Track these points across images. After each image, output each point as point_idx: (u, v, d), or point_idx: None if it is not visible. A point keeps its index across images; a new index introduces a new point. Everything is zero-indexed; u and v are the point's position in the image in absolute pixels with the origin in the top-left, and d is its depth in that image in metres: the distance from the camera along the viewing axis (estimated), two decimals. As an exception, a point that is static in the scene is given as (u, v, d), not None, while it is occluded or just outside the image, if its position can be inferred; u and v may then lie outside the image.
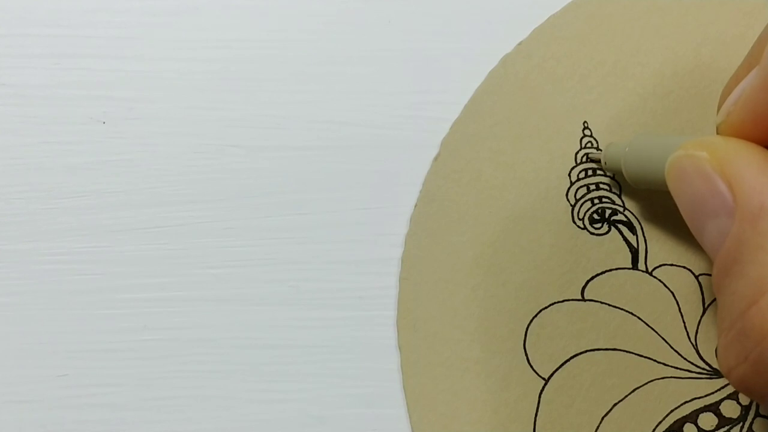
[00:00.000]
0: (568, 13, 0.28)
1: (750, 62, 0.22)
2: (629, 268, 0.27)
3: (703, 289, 0.26)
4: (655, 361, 0.26)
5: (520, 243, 0.27)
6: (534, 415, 0.26)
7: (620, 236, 0.27)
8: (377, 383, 0.27)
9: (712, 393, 0.26)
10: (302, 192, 0.28)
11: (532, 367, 0.26)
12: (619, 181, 0.27)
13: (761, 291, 0.18)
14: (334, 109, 0.28)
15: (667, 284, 0.26)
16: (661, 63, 0.27)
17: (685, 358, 0.26)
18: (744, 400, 0.26)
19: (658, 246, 0.27)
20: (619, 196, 0.27)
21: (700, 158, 0.19)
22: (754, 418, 0.26)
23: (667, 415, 0.26)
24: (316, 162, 0.28)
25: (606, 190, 0.27)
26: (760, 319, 0.18)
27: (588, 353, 0.26)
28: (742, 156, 0.19)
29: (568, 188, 0.27)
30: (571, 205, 0.27)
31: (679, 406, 0.26)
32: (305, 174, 0.28)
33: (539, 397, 0.26)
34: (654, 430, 0.26)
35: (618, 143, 0.26)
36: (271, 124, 0.28)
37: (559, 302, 0.27)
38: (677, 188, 0.20)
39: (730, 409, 0.26)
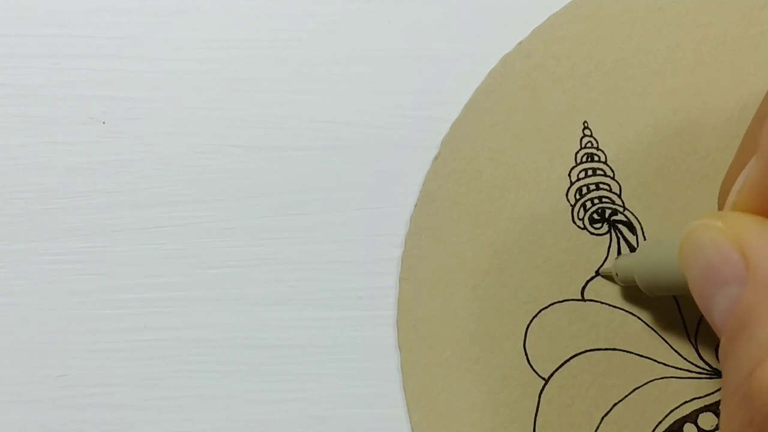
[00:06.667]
0: (568, 12, 0.28)
1: (744, 152, 0.23)
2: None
3: (703, 289, 0.26)
4: (655, 361, 0.26)
5: (520, 243, 0.27)
6: (534, 415, 0.26)
7: (620, 236, 0.27)
8: (377, 383, 0.27)
9: (712, 393, 0.26)
10: (302, 192, 0.28)
11: (532, 367, 0.26)
12: (621, 190, 0.27)
13: None
14: (334, 109, 0.28)
15: (667, 284, 0.26)
16: (661, 63, 0.27)
17: (685, 358, 0.26)
18: (744, 400, 0.26)
19: (658, 246, 0.27)
20: (619, 196, 0.27)
21: (714, 228, 0.20)
22: (754, 418, 0.26)
23: (667, 415, 0.26)
24: (316, 162, 0.28)
25: (606, 190, 0.27)
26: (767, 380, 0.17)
27: (588, 353, 0.26)
28: (755, 227, 0.19)
29: (568, 188, 0.27)
30: (571, 205, 0.27)
31: (679, 406, 0.26)
32: (305, 174, 0.28)
33: (539, 397, 0.26)
34: (654, 430, 0.26)
35: (627, 255, 0.26)
36: (271, 124, 0.28)
37: (559, 302, 0.27)
38: (690, 259, 0.20)
39: (730, 409, 0.26)
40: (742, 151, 0.23)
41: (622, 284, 0.26)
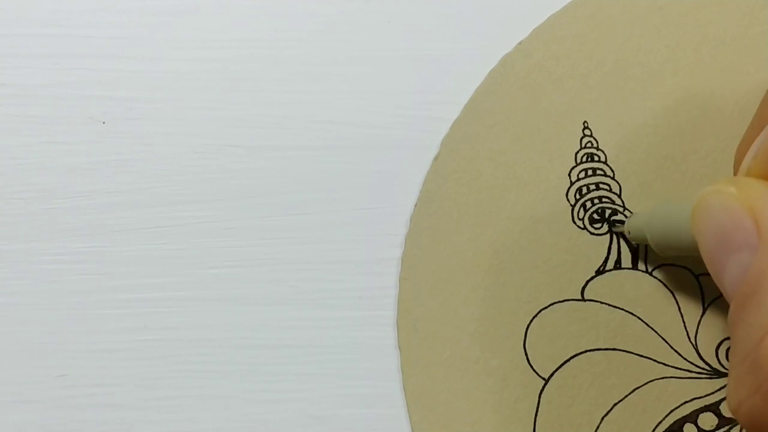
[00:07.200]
0: (567, 12, 0.28)
1: (760, 119, 0.23)
2: (629, 268, 0.27)
3: (703, 289, 0.26)
4: (655, 361, 0.26)
5: (520, 243, 0.27)
6: (534, 415, 0.26)
7: (620, 236, 0.27)
8: (377, 383, 0.27)
9: (712, 393, 0.26)
10: (302, 192, 0.28)
11: (532, 367, 0.26)
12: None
13: None
14: (334, 109, 0.28)
15: (667, 284, 0.26)
16: (661, 63, 0.27)
17: (685, 358, 0.26)
18: (744, 400, 0.26)
19: (658, 246, 0.27)
20: (619, 196, 0.27)
21: (727, 193, 0.19)
22: (754, 418, 0.26)
23: (667, 415, 0.26)
24: (316, 162, 0.28)
25: (606, 190, 0.27)
26: None
27: (588, 353, 0.26)
28: None
29: (568, 188, 0.27)
30: (571, 205, 0.27)
31: (679, 406, 0.26)
32: (305, 174, 0.28)
33: (539, 397, 0.26)
34: (654, 430, 0.26)
35: (641, 213, 0.26)
36: (271, 124, 0.28)
37: (559, 302, 0.27)
38: (702, 224, 0.20)
39: (730, 409, 0.26)
40: (757, 118, 0.23)
41: (634, 243, 0.26)
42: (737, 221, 0.19)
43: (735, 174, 0.23)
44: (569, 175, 0.27)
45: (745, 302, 0.18)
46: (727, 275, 0.19)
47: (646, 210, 0.26)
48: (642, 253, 0.27)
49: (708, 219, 0.20)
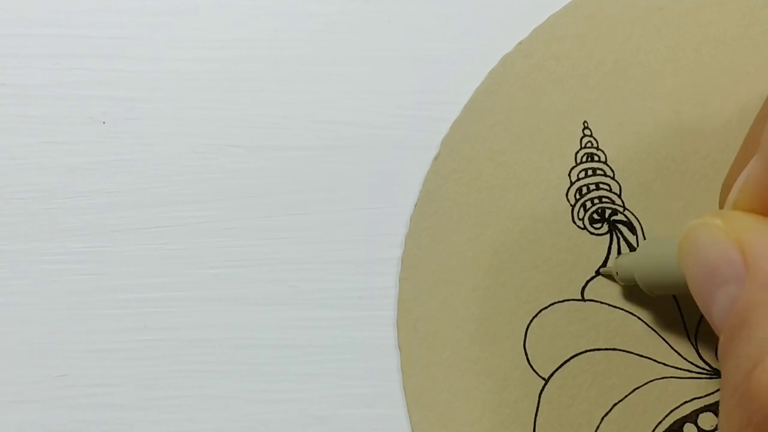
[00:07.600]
0: (567, 12, 0.28)
1: (746, 151, 0.23)
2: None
3: (703, 289, 0.26)
4: (655, 361, 0.26)
5: (520, 243, 0.27)
6: (534, 415, 0.26)
7: (620, 236, 0.27)
8: (377, 383, 0.27)
9: (712, 393, 0.26)
10: (302, 192, 0.28)
11: (532, 367, 0.26)
12: (621, 190, 0.27)
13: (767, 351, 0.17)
14: (334, 109, 0.28)
15: (667, 284, 0.26)
16: (661, 63, 0.27)
17: (685, 358, 0.26)
18: (744, 400, 0.26)
19: (658, 246, 0.27)
20: (619, 196, 0.27)
21: (714, 226, 0.20)
22: (754, 418, 0.26)
23: (667, 415, 0.26)
24: (316, 162, 0.28)
25: (606, 190, 0.27)
26: (766, 380, 0.17)
27: (588, 353, 0.26)
28: (755, 226, 0.19)
29: (568, 188, 0.27)
30: (571, 205, 0.27)
31: (679, 406, 0.26)
32: (305, 174, 0.28)
33: (539, 397, 0.26)
34: (654, 430, 0.26)
35: (627, 254, 0.26)
36: (271, 124, 0.28)
37: (559, 302, 0.27)
38: (689, 258, 0.20)
39: (730, 409, 0.26)
40: (743, 151, 0.23)
41: (622, 283, 0.26)
42: (724, 254, 0.19)
43: (721, 207, 0.23)
44: (569, 175, 0.27)
45: (733, 335, 0.18)
46: (715, 308, 0.19)
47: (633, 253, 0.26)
48: (642, 253, 0.27)
49: (695, 252, 0.20)
